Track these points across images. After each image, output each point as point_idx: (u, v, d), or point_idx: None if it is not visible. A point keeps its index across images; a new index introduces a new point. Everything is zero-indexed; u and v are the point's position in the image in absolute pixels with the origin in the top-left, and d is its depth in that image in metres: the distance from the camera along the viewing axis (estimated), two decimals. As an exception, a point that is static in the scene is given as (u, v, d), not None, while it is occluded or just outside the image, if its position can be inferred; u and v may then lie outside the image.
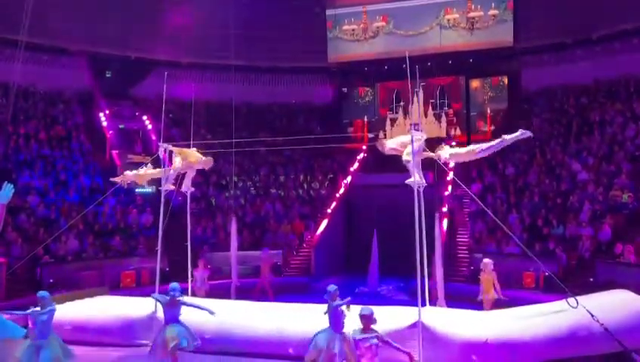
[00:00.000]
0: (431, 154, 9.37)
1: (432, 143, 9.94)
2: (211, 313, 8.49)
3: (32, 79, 20.73)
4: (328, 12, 25.66)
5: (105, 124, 22.02)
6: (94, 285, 14.13)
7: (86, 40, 22.19)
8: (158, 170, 11.56)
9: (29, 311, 7.60)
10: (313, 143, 19.81)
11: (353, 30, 25.55)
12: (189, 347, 8.20)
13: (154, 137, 21.61)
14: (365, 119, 26.30)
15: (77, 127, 21.58)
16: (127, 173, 12.02)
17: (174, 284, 8.43)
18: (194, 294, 12.08)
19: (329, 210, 20.26)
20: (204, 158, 11.55)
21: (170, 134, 19.71)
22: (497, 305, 11.21)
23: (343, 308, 7.31)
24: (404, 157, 9.11)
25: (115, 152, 21.20)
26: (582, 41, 22.08)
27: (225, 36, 20.63)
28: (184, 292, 11.14)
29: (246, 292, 14.38)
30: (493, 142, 9.22)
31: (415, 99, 20.86)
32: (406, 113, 23.61)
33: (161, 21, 23.07)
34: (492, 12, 23.59)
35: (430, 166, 11.46)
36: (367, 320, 6.67)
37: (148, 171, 11.77)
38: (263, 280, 15.22)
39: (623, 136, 18.24)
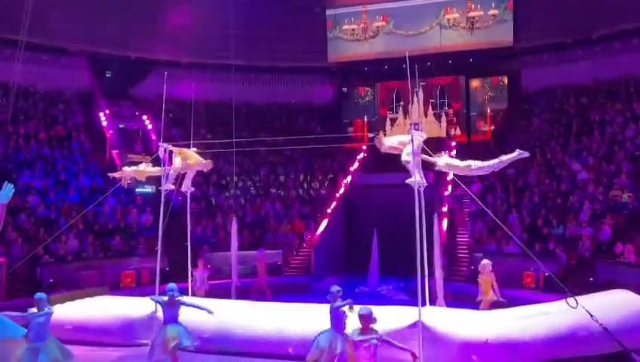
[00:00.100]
0: (429, 158, 9.34)
1: (432, 143, 9.94)
2: (210, 312, 8.50)
3: (32, 79, 20.73)
4: (328, 12, 25.67)
5: (105, 123, 22.02)
6: (94, 285, 14.11)
7: (86, 40, 22.19)
8: (157, 168, 11.56)
9: (25, 314, 7.54)
10: (313, 143, 19.80)
11: (353, 30, 25.56)
12: (190, 346, 8.21)
13: (154, 137, 21.61)
14: (365, 119, 26.32)
15: (77, 127, 21.58)
16: (126, 168, 12.00)
17: (172, 285, 8.46)
18: (194, 294, 12.08)
19: (329, 210, 20.26)
20: (203, 161, 11.55)
21: (170, 134, 19.70)
22: (496, 306, 11.17)
23: (345, 308, 7.30)
24: (404, 158, 9.10)
25: (115, 152, 21.20)
26: (582, 41, 22.08)
27: (225, 36, 20.63)
28: (184, 292, 11.18)
29: (245, 292, 14.41)
30: (491, 162, 9.22)
31: (415, 99, 20.86)
32: (406, 113, 23.62)
33: (161, 21, 23.07)
34: (492, 12, 23.59)
35: (430, 166, 11.45)
36: (366, 319, 6.63)
37: (147, 168, 11.77)
38: (260, 281, 15.20)
39: (623, 136, 18.23)
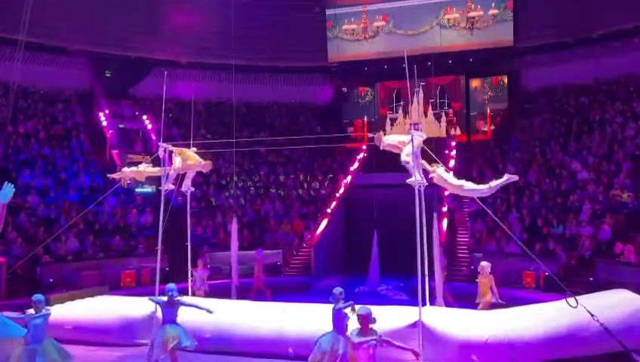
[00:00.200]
0: (427, 166, 9.28)
1: (432, 143, 9.94)
2: (209, 312, 8.51)
3: (31, 79, 20.70)
4: (328, 12, 25.63)
5: (105, 123, 22.02)
6: (94, 285, 14.11)
7: (86, 40, 22.17)
8: (157, 168, 11.53)
9: (23, 315, 7.49)
10: (313, 143, 19.85)
11: (353, 30, 25.54)
12: (189, 347, 8.22)
13: (154, 137, 21.61)
14: (365, 119, 26.33)
15: (77, 127, 21.60)
16: (126, 169, 11.97)
17: (171, 285, 8.46)
18: (193, 294, 12.07)
19: (329, 210, 20.28)
20: (203, 162, 11.52)
21: (170, 134, 19.73)
22: (495, 308, 11.13)
23: (347, 310, 7.26)
24: (403, 158, 9.07)
25: (115, 152, 21.20)
26: (582, 40, 22.05)
27: (225, 36, 20.59)
28: (184, 292, 11.18)
29: (245, 293, 14.42)
30: (481, 187, 9.30)
31: (415, 98, 20.86)
32: (406, 113, 23.61)
33: (161, 21, 23.04)
34: (492, 12, 23.56)
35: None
36: (365, 320, 6.54)
37: (147, 169, 11.75)
38: (257, 281, 15.20)
39: (623, 135, 18.23)
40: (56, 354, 7.53)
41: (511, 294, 13.35)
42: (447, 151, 21.52)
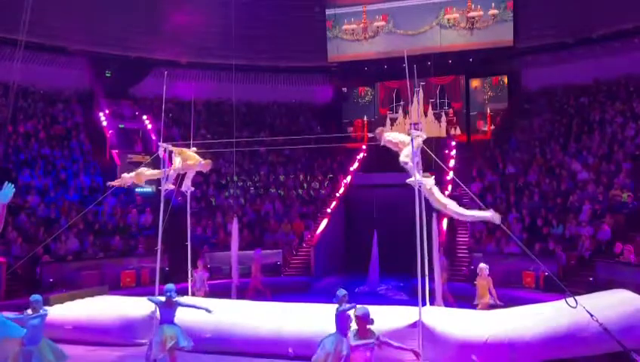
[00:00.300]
0: (421, 177, 9.18)
1: (432, 143, 9.93)
2: (208, 311, 8.52)
3: (31, 78, 20.71)
4: (328, 12, 25.63)
5: (105, 123, 22.02)
6: (94, 285, 14.12)
7: (86, 40, 22.17)
8: (157, 170, 11.51)
9: (20, 316, 7.47)
10: (313, 143, 19.85)
11: (353, 30, 25.54)
12: (186, 347, 8.23)
13: (154, 137, 21.61)
14: (365, 119, 26.33)
15: (77, 127, 21.60)
16: (125, 175, 11.88)
17: (170, 286, 8.46)
18: (193, 295, 12.06)
19: (329, 210, 20.27)
20: (203, 161, 11.50)
21: (170, 134, 19.74)
22: (493, 309, 11.12)
23: (351, 312, 7.23)
24: (402, 159, 9.05)
25: (115, 152, 21.20)
26: (582, 40, 22.05)
27: (225, 36, 20.60)
28: (184, 292, 11.19)
29: (245, 292, 14.43)
30: (465, 212, 9.40)
31: (415, 98, 20.86)
32: (406, 113, 23.62)
33: (161, 21, 23.05)
34: (492, 12, 23.56)
35: (430, 165, 11.46)
36: (363, 321, 6.30)
37: (146, 171, 11.70)
38: (254, 281, 15.19)
39: (622, 135, 18.24)
40: (52, 356, 7.52)
41: (511, 294, 13.36)
42: (447, 151, 21.52)
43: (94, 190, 18.29)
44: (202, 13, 22.98)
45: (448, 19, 24.21)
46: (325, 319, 8.72)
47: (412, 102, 20.32)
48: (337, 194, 21.13)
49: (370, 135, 9.97)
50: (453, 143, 22.92)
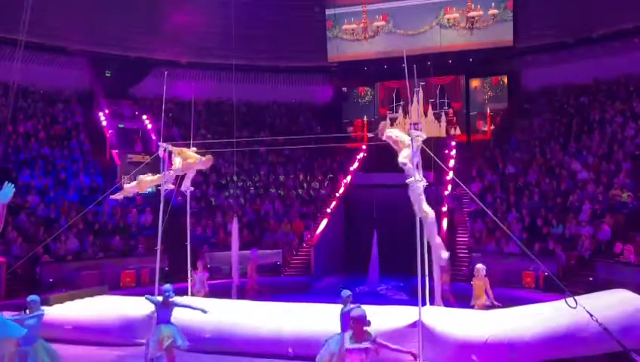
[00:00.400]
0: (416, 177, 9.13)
1: (432, 143, 9.90)
2: (204, 311, 8.53)
3: (31, 78, 20.71)
4: (328, 11, 25.63)
5: (105, 123, 22.02)
6: (94, 285, 14.11)
7: (86, 40, 22.17)
8: (157, 176, 11.37)
9: (17, 316, 7.44)
10: (313, 143, 19.85)
11: (353, 29, 25.54)
12: (182, 346, 8.24)
13: (154, 137, 21.62)
14: (365, 119, 26.32)
15: (77, 127, 21.61)
16: (126, 186, 11.74)
17: (167, 286, 8.49)
18: (193, 296, 12.03)
19: (329, 210, 20.27)
20: (203, 158, 11.44)
21: (170, 134, 19.74)
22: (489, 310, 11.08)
23: None
24: (400, 160, 9.00)
25: (114, 152, 21.19)
26: (582, 40, 22.05)
27: (225, 36, 20.60)
28: (184, 292, 11.20)
29: (245, 292, 14.44)
30: (434, 234, 9.20)
31: (415, 98, 20.85)
32: (406, 112, 23.61)
33: (161, 21, 23.05)
34: (492, 11, 23.56)
35: (430, 165, 11.46)
36: (359, 322, 5.98)
37: (146, 178, 11.57)
38: (250, 281, 15.19)
39: (622, 135, 18.24)
40: (46, 357, 7.50)
41: (511, 294, 13.37)
42: (447, 151, 21.52)
43: (94, 190, 18.30)
44: (202, 13, 22.98)
45: (448, 19, 24.21)
46: (325, 319, 8.74)
47: (412, 102, 20.30)
48: (337, 194, 21.13)
49: (370, 135, 9.95)
50: (453, 143, 22.92)
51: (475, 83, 25.68)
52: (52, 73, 22.10)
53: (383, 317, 8.75)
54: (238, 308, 10.88)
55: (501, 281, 14.43)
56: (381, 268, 17.37)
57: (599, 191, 16.20)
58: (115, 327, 10.49)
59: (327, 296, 12.58)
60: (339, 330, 7.66)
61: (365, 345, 5.93)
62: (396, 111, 25.15)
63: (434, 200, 15.04)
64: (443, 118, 24.39)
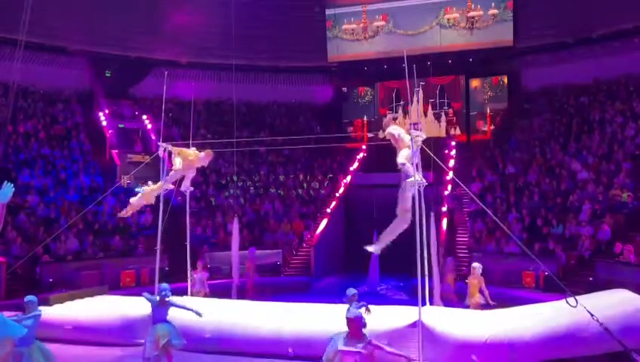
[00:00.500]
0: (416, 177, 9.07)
1: (432, 143, 9.88)
2: (198, 314, 8.50)
3: (31, 78, 20.70)
4: (328, 11, 25.62)
5: (105, 123, 22.03)
6: (94, 285, 14.10)
7: (86, 40, 22.18)
8: (159, 183, 11.29)
9: (14, 317, 7.36)
10: (313, 143, 19.85)
11: (353, 29, 25.54)
12: (178, 345, 8.23)
13: (154, 137, 21.63)
14: (365, 119, 26.32)
15: (77, 127, 21.61)
16: (133, 201, 11.57)
17: (164, 285, 8.46)
18: (193, 296, 12.00)
19: (329, 210, 20.26)
20: (202, 154, 11.32)
21: (170, 134, 19.74)
22: (485, 309, 11.05)
23: (362, 311, 7.17)
24: (399, 160, 8.96)
25: (114, 152, 21.21)
26: (582, 40, 22.05)
27: (225, 36, 20.60)
28: (184, 292, 11.19)
29: (245, 292, 14.43)
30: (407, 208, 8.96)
31: (415, 98, 20.85)
32: (406, 113, 23.61)
33: (161, 21, 23.05)
34: (492, 11, 23.56)
35: (429, 165, 11.45)
36: (354, 323, 5.85)
37: (149, 188, 11.45)
38: (248, 280, 15.17)
39: (622, 135, 18.24)
40: (42, 358, 7.47)
41: (511, 294, 13.37)
42: (446, 151, 21.51)
43: (94, 190, 18.29)
44: (202, 13, 22.98)
45: (448, 19, 24.21)
46: (326, 319, 8.74)
47: (412, 102, 20.31)
48: (337, 194, 21.12)
49: (370, 135, 9.92)
50: (453, 143, 22.91)
51: (475, 83, 25.68)
52: (52, 73, 22.10)
53: (383, 317, 8.75)
54: (238, 308, 10.87)
55: (501, 281, 14.45)
56: (381, 268, 17.35)
57: (599, 191, 16.20)
58: (115, 327, 10.48)
59: (327, 296, 12.59)
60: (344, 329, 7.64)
61: (358, 348, 5.78)
62: (396, 112, 25.14)
63: (434, 200, 15.08)
64: (443, 118, 24.38)
